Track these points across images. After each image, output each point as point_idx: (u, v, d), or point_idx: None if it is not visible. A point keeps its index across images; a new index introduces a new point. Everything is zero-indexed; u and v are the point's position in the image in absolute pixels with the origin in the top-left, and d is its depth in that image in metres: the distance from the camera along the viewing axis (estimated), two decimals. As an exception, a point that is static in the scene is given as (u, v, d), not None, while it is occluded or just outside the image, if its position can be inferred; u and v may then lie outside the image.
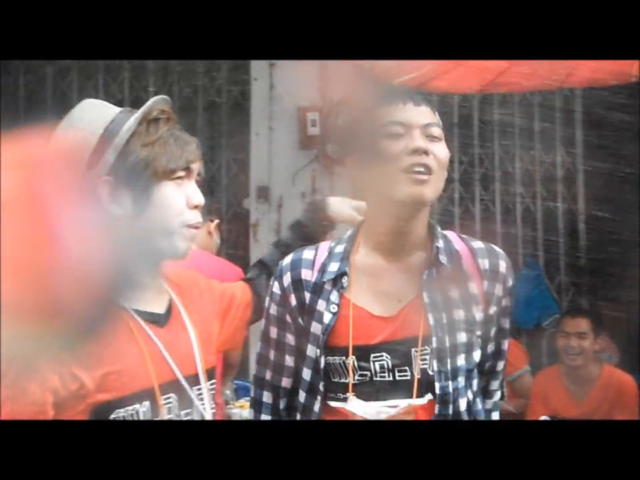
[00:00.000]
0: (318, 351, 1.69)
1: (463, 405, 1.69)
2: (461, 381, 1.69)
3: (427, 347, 1.66)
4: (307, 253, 1.78)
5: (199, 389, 1.56)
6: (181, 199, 1.53)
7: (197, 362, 1.57)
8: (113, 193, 1.50)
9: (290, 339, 1.76)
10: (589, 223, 5.07)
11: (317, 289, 1.73)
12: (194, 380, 1.55)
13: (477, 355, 1.73)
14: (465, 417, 1.70)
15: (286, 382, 1.78)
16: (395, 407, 1.64)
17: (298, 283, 1.74)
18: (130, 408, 1.43)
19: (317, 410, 1.71)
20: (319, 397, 1.70)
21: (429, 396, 1.66)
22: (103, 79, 5.02)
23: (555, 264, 5.10)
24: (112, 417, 1.41)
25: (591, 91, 4.49)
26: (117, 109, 1.58)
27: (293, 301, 1.74)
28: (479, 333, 1.72)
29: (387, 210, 1.69)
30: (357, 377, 1.67)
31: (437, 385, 1.65)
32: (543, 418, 3.70)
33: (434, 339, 1.65)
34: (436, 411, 1.65)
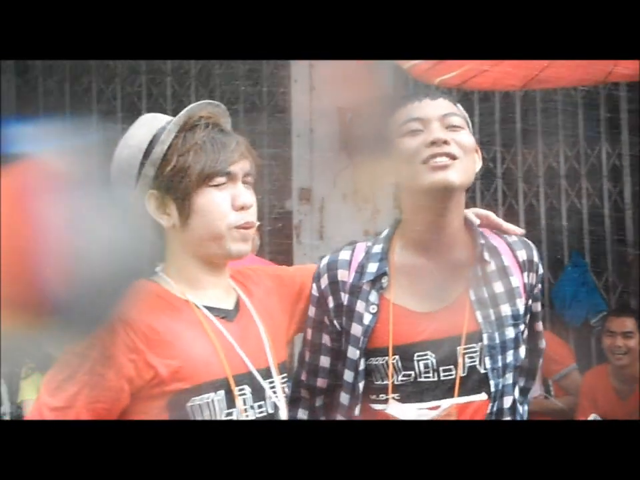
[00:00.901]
0: (358, 352, 1.69)
1: (507, 402, 1.69)
2: (509, 377, 1.69)
3: (473, 345, 1.66)
4: (344, 254, 1.78)
5: (272, 382, 1.59)
6: (224, 202, 1.55)
7: (268, 355, 1.60)
8: (159, 206, 1.57)
9: (326, 339, 1.77)
10: (636, 219, 4.98)
11: (355, 290, 1.73)
12: (266, 373, 1.58)
13: (522, 351, 1.73)
14: (507, 415, 1.70)
15: (321, 382, 1.79)
16: (437, 408, 1.64)
17: (335, 285, 1.75)
18: (205, 396, 1.48)
19: (358, 412, 1.71)
20: (360, 399, 1.71)
21: (482, 395, 1.66)
22: (145, 84, 5.08)
23: (602, 261, 5.02)
24: (188, 404, 1.46)
25: (636, 85, 4.42)
26: (167, 120, 1.62)
27: (330, 302, 1.75)
28: (522, 327, 1.73)
29: (419, 204, 1.69)
30: (400, 378, 1.67)
31: (492, 383, 1.65)
32: (592, 416, 3.68)
33: (485, 336, 1.66)
34: (488, 410, 1.65)
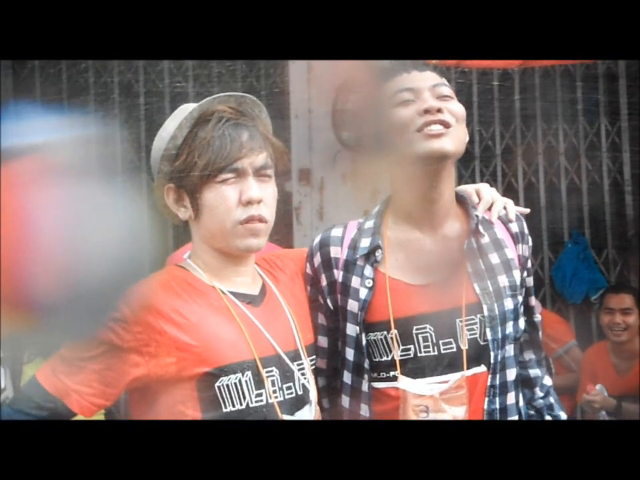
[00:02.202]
0: (358, 328, 1.70)
1: (511, 375, 1.71)
2: (509, 349, 1.71)
3: (473, 317, 1.67)
4: (335, 231, 1.79)
5: (300, 364, 1.62)
6: (231, 198, 1.57)
7: (296, 338, 1.64)
8: (177, 199, 1.61)
9: (322, 319, 1.78)
10: (636, 195, 4.98)
11: (349, 266, 1.74)
12: (294, 356, 1.62)
13: (521, 323, 1.75)
14: (512, 389, 1.72)
15: (320, 362, 1.79)
16: (447, 382, 1.65)
17: (327, 262, 1.76)
18: (233, 377, 1.52)
19: (366, 389, 1.72)
20: (365, 376, 1.71)
21: (482, 368, 1.67)
22: (142, 64, 5.04)
23: (602, 238, 5.03)
24: (216, 385, 1.51)
25: (635, 60, 4.40)
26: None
27: (324, 280, 1.76)
28: (519, 298, 1.74)
29: (411, 176, 1.70)
30: (400, 353, 1.67)
31: (492, 355, 1.67)
32: (598, 387, 3.72)
33: (484, 307, 1.67)
34: (488, 382, 1.67)
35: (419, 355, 1.67)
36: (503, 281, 1.71)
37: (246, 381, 1.53)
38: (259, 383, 1.54)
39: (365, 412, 1.72)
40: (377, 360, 1.70)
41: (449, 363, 1.67)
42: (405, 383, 1.66)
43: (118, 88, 4.94)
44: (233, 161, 1.56)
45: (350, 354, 1.73)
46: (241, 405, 1.53)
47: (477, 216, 1.73)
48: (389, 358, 1.68)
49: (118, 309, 1.49)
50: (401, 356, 1.68)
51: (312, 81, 4.72)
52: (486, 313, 1.67)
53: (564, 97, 5.01)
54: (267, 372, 1.55)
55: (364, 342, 1.70)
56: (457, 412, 1.63)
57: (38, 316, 1.25)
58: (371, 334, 1.70)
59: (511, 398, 1.71)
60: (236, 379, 1.52)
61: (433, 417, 1.63)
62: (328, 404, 1.82)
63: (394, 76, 1.71)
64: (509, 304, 1.70)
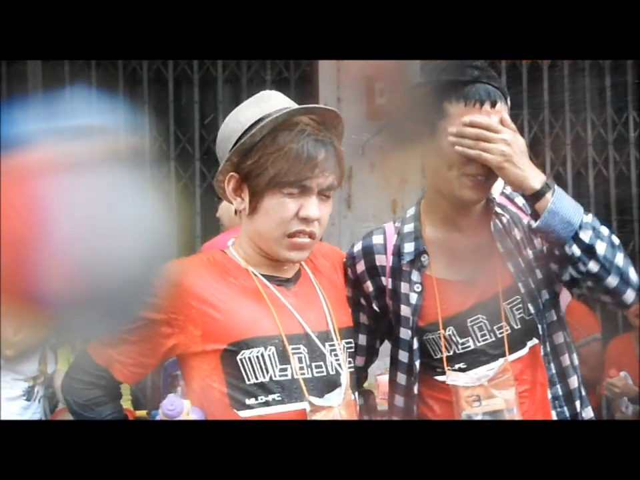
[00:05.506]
0: (410, 332, 1.74)
1: (558, 339, 1.75)
2: (550, 315, 1.75)
3: (517, 297, 1.72)
4: (377, 238, 1.82)
5: (332, 345, 1.63)
6: (290, 210, 1.58)
7: (328, 319, 1.65)
8: (236, 188, 1.63)
9: (364, 319, 1.83)
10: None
11: (396, 273, 1.77)
12: (326, 337, 1.63)
13: (556, 287, 1.78)
14: (565, 351, 1.75)
15: (359, 360, 1.83)
16: (492, 369, 1.69)
17: (373, 270, 1.79)
18: (255, 350, 1.56)
19: (416, 391, 1.76)
20: (415, 378, 1.75)
21: (534, 340, 1.72)
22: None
23: (629, 229, 5.01)
24: (238, 357, 1.55)
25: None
26: (277, 109, 1.62)
27: (369, 287, 1.79)
28: (551, 265, 1.74)
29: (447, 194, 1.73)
30: (461, 347, 1.72)
31: (539, 327, 1.71)
32: (622, 373, 3.72)
33: (520, 284, 1.72)
34: (542, 352, 1.71)
35: (478, 343, 1.72)
36: (529, 253, 1.75)
37: (269, 355, 1.56)
38: (284, 358, 1.57)
39: (414, 412, 1.78)
40: (438, 357, 1.74)
41: (509, 345, 1.71)
42: (452, 378, 1.70)
43: (147, 75, 4.96)
44: (304, 178, 1.56)
45: (403, 356, 1.77)
46: (264, 377, 1.56)
47: (493, 199, 1.78)
48: (451, 353, 1.73)
49: (152, 284, 1.53)
50: (463, 348, 1.72)
51: (341, 69, 4.73)
52: (522, 290, 1.71)
53: (592, 87, 4.99)
54: (293, 348, 1.58)
55: (416, 345, 1.74)
56: (507, 395, 1.67)
57: (57, 312, 1.25)
58: (429, 334, 1.74)
59: (565, 360, 1.76)
60: (258, 352, 1.56)
61: (485, 404, 1.66)
62: (362, 401, 1.84)
63: (465, 101, 1.67)
64: (539, 274, 1.74)
